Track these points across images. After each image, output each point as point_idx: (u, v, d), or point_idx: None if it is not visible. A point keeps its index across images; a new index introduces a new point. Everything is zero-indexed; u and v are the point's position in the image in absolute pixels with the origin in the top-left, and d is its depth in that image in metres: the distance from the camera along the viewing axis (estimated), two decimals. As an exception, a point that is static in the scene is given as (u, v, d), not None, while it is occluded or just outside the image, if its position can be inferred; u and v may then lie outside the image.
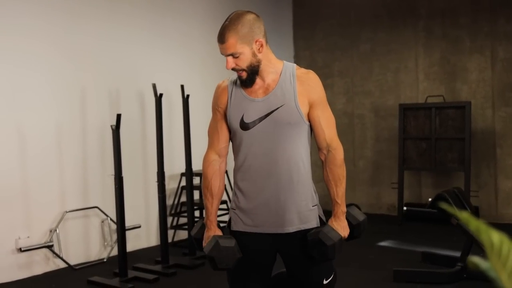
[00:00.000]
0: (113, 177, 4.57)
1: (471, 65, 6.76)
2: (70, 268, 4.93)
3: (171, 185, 5.87)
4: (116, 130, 4.45)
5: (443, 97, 6.79)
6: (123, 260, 4.54)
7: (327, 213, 2.36)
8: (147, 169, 5.73)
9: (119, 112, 4.78)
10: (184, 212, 5.84)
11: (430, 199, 5.71)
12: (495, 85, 6.63)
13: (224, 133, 2.33)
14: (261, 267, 2.35)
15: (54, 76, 4.97)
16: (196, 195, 5.98)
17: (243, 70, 2.18)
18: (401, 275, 4.32)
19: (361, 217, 2.43)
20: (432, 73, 7.02)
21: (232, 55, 2.15)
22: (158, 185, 4.93)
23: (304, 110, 2.22)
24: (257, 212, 2.27)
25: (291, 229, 2.25)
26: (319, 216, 2.33)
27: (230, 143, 2.39)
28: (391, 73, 7.26)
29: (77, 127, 5.16)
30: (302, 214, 2.27)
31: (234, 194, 2.36)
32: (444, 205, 0.99)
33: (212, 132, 2.36)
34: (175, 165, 5.83)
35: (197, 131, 5.67)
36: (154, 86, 4.95)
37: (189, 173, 5.21)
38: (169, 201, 5.81)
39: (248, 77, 2.20)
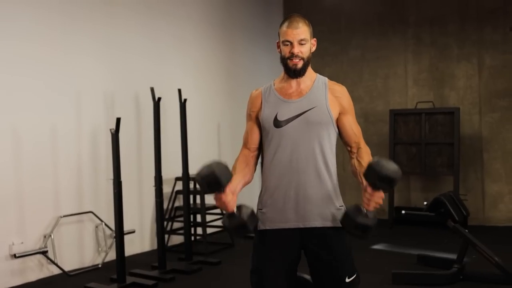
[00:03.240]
0: (109, 181, 4.53)
1: (459, 72, 6.90)
2: (64, 275, 4.86)
3: (164, 190, 5.83)
4: (115, 134, 4.41)
5: (433, 103, 6.91)
6: (122, 266, 4.49)
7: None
8: (141, 173, 5.70)
9: (113, 115, 4.75)
10: (178, 216, 5.82)
11: (425, 203, 5.79)
12: (482, 92, 6.77)
13: (255, 134, 2.44)
14: (286, 264, 2.38)
15: (49, 79, 4.91)
16: (191, 199, 5.97)
17: (302, 58, 2.34)
18: (400, 278, 4.38)
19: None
20: (421, 80, 7.13)
21: (301, 41, 2.34)
22: (156, 190, 4.90)
23: (334, 113, 2.36)
24: (285, 207, 2.34)
25: (318, 223, 2.33)
26: None
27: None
28: (381, 79, 7.36)
29: (72, 131, 5.11)
30: (329, 211, 2.34)
31: (262, 194, 2.42)
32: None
33: (245, 136, 2.49)
34: (168, 169, 5.80)
35: (191, 135, 5.66)
36: (152, 90, 4.93)
37: (185, 177, 5.19)
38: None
39: (303, 67, 2.36)
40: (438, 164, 6.62)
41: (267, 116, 2.37)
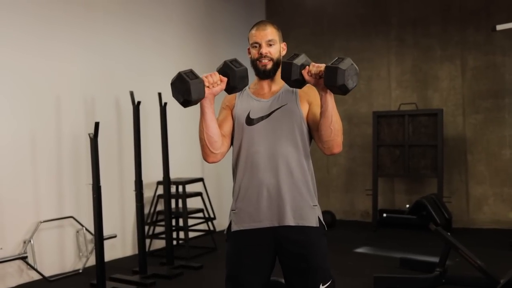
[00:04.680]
0: (90, 186, 4.48)
1: (442, 73, 6.91)
2: (45, 280, 4.81)
3: (146, 194, 5.78)
4: (94, 138, 4.36)
5: (416, 105, 6.91)
6: (101, 271, 4.43)
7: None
8: (122, 178, 5.65)
9: (93, 120, 4.70)
10: (160, 221, 5.78)
11: (408, 206, 5.76)
12: (465, 93, 6.78)
13: (229, 122, 2.43)
14: (261, 270, 2.36)
15: (28, 83, 4.85)
16: (173, 203, 5.92)
17: (271, 59, 2.40)
18: (382, 281, 4.36)
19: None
20: (404, 81, 7.14)
21: (269, 41, 2.39)
22: (136, 194, 4.86)
23: (304, 110, 2.38)
24: (258, 206, 2.32)
25: (292, 222, 2.31)
26: (318, 217, 2.37)
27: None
28: (364, 81, 7.35)
29: (51, 136, 5.05)
30: (303, 210, 2.33)
31: (234, 194, 2.41)
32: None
33: (218, 123, 2.40)
34: (150, 173, 5.75)
35: (172, 139, 5.62)
36: (131, 93, 4.89)
37: (167, 181, 5.15)
38: (144, 210, 5.72)
39: (273, 68, 2.41)
40: (422, 166, 6.61)
41: (240, 113, 2.39)
